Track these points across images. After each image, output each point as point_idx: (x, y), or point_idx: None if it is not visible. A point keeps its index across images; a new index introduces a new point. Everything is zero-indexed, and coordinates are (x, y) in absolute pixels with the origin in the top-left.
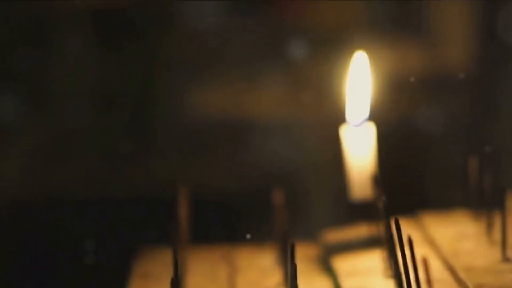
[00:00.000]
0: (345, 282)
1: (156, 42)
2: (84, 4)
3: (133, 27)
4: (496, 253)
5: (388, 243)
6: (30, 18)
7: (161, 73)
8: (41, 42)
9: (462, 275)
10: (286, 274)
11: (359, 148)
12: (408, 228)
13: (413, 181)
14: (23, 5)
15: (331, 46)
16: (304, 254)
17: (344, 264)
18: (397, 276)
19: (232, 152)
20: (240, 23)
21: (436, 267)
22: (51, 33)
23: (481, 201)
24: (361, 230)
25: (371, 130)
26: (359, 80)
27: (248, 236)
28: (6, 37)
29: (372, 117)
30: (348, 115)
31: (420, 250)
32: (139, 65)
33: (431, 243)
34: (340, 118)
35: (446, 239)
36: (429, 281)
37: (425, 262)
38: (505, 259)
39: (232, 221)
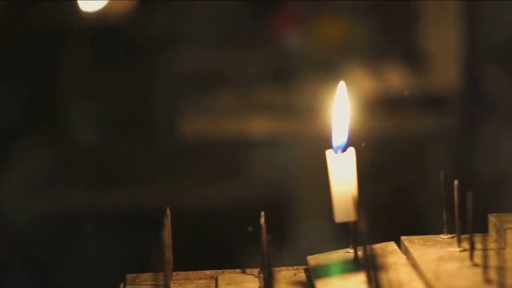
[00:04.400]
0: None
1: (150, 61)
2: (80, 23)
3: (127, 47)
4: (478, 276)
5: (368, 267)
6: (30, 36)
7: (153, 93)
8: (37, 59)
9: None
10: None
11: (343, 173)
12: (390, 251)
13: (396, 205)
14: (25, 23)
15: (318, 73)
16: (289, 279)
17: None
18: None
19: (220, 175)
20: (234, 45)
21: None
22: (45, 50)
23: (463, 224)
24: (345, 254)
25: (353, 155)
26: (342, 107)
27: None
28: (5, 52)
29: (355, 142)
30: (332, 140)
31: (403, 273)
32: (131, 85)
33: (414, 265)
34: (325, 143)
35: (429, 261)
36: None
37: None
38: (487, 281)
39: (218, 244)
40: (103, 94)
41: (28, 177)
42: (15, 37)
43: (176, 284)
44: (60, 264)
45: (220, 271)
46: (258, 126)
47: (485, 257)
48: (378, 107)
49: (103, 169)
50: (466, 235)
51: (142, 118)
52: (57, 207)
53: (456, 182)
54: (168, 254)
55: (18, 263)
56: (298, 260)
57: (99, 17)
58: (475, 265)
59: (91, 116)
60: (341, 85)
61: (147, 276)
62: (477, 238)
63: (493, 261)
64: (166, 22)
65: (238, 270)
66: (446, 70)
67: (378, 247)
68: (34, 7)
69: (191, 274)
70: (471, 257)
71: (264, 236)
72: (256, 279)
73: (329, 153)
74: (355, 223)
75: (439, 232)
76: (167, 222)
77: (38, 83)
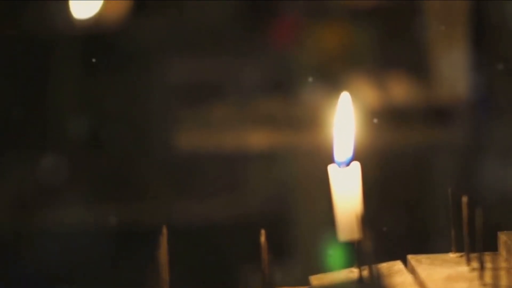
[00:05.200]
0: None
1: (145, 72)
2: (72, 30)
3: (119, 55)
4: None
5: (373, 287)
6: (23, 45)
7: (148, 105)
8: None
9: None
10: None
11: (346, 189)
12: (396, 271)
13: (402, 222)
14: (18, 33)
15: (321, 84)
16: None
17: None
18: None
19: (218, 190)
20: (232, 56)
21: None
22: (40, 59)
23: (472, 243)
24: (349, 274)
25: (358, 170)
26: (345, 120)
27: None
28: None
29: (359, 157)
30: (335, 155)
31: None
32: (125, 97)
33: (421, 285)
34: (328, 158)
35: (436, 281)
36: None
37: None
38: None
39: (216, 263)
40: (95, 105)
41: (18, 192)
42: (5, 44)
43: None
44: (52, 281)
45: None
46: (257, 139)
47: (495, 277)
48: (383, 119)
49: (97, 183)
50: (475, 254)
51: (136, 131)
52: (49, 223)
53: (464, 198)
54: (165, 273)
55: (9, 279)
56: (300, 279)
57: (91, 25)
58: (485, 285)
59: (83, 128)
60: (344, 96)
61: None
62: (487, 257)
63: (503, 280)
64: (160, 31)
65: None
66: (453, 81)
67: (383, 266)
68: (25, 13)
69: None
70: (481, 276)
71: (265, 254)
72: None
73: (332, 168)
74: (359, 241)
75: (447, 250)
76: (164, 241)
77: (28, 93)
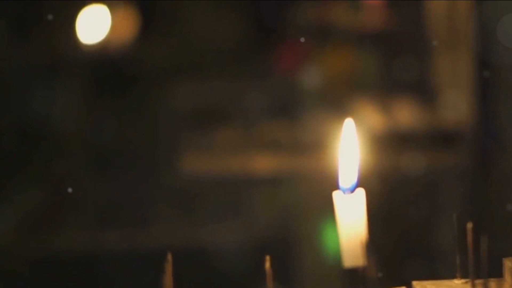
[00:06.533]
0: None
1: (150, 96)
2: (79, 55)
3: (127, 81)
4: None
5: None
6: (30, 70)
7: (152, 129)
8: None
9: None
10: None
11: (351, 215)
12: None
13: (407, 248)
14: (25, 58)
15: (326, 108)
16: None
17: None
18: None
19: (221, 215)
20: (237, 80)
21: None
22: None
23: (477, 269)
24: None
25: (362, 196)
26: (350, 147)
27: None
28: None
29: (364, 182)
30: (340, 181)
31: None
32: (130, 121)
33: None
34: (333, 183)
35: None
36: None
37: None
38: None
39: None
40: (100, 130)
41: (22, 218)
42: (13, 69)
43: None
44: None
45: None
46: (262, 164)
47: None
48: (387, 144)
49: (101, 209)
50: (481, 280)
51: (141, 155)
52: (53, 249)
53: (469, 225)
54: None
55: None
56: None
57: (99, 50)
58: None
59: (87, 153)
60: (349, 122)
61: None
62: (492, 283)
63: None
64: (166, 56)
65: None
66: (459, 105)
67: None
68: (33, 38)
69: None
70: None
71: (269, 281)
72: None
73: (336, 194)
74: (364, 268)
75: (452, 276)
76: (169, 268)
77: (32, 117)
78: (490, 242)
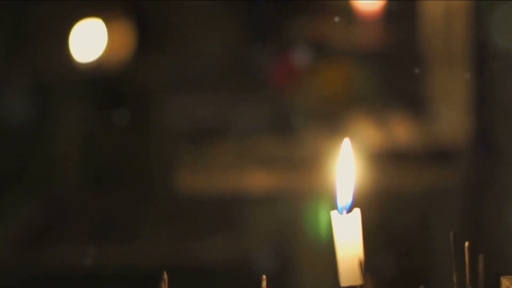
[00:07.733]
0: None
1: (145, 114)
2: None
3: (123, 98)
4: None
5: None
6: (26, 89)
7: (148, 146)
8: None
9: None
10: None
11: (348, 234)
12: None
13: (403, 267)
14: (20, 78)
15: (322, 125)
16: None
17: None
18: None
19: (216, 233)
20: (233, 100)
21: None
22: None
23: (475, 286)
24: None
25: (358, 216)
26: (346, 168)
27: None
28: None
29: (361, 200)
30: (337, 200)
31: None
32: (126, 138)
33: None
34: (329, 200)
35: None
36: None
37: None
38: None
39: None
40: (97, 147)
41: (18, 234)
42: (8, 89)
43: None
44: None
45: None
46: (258, 181)
47: None
48: (383, 162)
49: (96, 226)
50: None
51: (137, 172)
52: (48, 266)
53: (467, 244)
54: None
55: None
56: None
57: (94, 68)
58: None
59: (84, 170)
60: (346, 143)
61: None
62: None
63: None
64: (161, 73)
65: None
66: (455, 122)
67: None
68: (28, 57)
69: None
70: None
71: None
72: None
73: (334, 214)
74: (361, 286)
75: None
76: (164, 286)
77: (29, 135)
78: (487, 261)
